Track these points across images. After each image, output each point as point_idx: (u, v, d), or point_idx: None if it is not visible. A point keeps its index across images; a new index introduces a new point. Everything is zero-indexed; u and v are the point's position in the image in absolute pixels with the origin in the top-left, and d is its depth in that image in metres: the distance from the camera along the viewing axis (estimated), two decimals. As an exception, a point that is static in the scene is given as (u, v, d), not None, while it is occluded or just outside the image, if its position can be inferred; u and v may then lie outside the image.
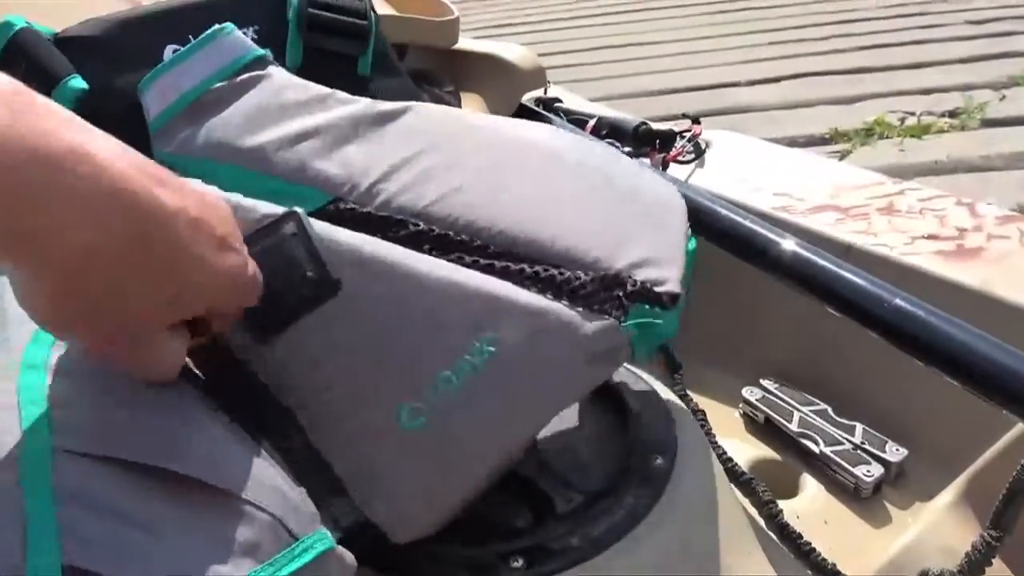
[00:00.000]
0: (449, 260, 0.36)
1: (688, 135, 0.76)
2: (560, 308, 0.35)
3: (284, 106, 0.41)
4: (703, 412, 0.57)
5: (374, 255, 0.34)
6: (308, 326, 0.32)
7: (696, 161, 0.74)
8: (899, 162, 1.92)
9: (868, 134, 2.09)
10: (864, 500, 0.54)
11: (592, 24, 3.53)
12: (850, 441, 0.57)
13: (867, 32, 2.91)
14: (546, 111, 0.79)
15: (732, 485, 0.51)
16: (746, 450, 0.59)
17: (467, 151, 0.41)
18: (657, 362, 0.66)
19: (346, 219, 0.37)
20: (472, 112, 0.41)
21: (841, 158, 1.94)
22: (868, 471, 0.54)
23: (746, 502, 0.52)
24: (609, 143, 0.71)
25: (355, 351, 0.33)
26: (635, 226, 0.40)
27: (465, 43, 0.79)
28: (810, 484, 0.56)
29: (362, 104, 0.42)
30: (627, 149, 0.63)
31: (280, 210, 0.33)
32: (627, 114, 0.82)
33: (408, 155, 0.40)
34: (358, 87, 0.48)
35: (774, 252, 0.52)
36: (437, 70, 0.77)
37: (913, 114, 2.18)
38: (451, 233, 0.37)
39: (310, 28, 0.51)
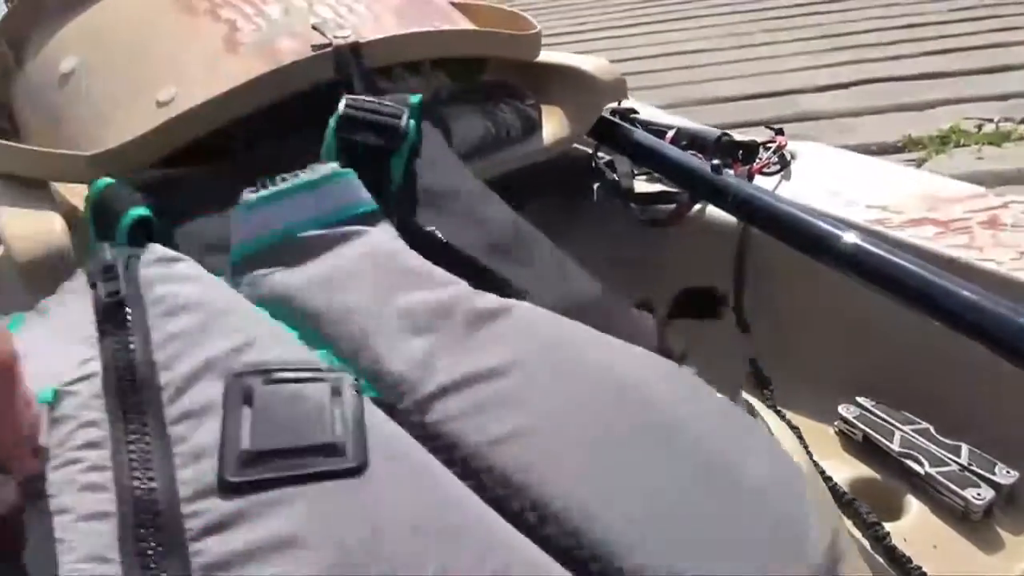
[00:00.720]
0: (485, 500, 0.28)
1: (772, 146, 0.74)
2: None
3: (370, 272, 0.36)
4: (797, 429, 0.56)
5: (412, 465, 0.28)
6: (304, 495, 0.25)
7: (782, 173, 0.73)
8: (978, 170, 1.85)
9: (944, 141, 2.02)
10: (974, 524, 0.52)
11: (653, 31, 3.51)
12: (956, 462, 0.55)
13: (936, 36, 2.82)
14: (623, 122, 0.79)
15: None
16: (845, 470, 0.57)
17: (556, 383, 0.32)
18: (746, 379, 0.65)
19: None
20: (584, 329, 0.35)
21: (917, 166, 1.88)
22: (978, 494, 0.52)
23: (849, 524, 0.51)
24: (692, 154, 0.70)
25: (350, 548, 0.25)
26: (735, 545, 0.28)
27: (544, 55, 0.79)
28: (915, 506, 0.54)
29: (459, 291, 0.36)
30: (715, 161, 0.62)
31: (338, 371, 0.30)
32: (705, 125, 0.81)
33: (486, 368, 0.32)
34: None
35: (836, 245, 0.52)
36: (518, 83, 0.78)
37: (991, 120, 2.10)
38: (498, 490, 0.28)
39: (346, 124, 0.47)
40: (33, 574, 0.23)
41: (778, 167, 0.72)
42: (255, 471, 0.25)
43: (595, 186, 0.82)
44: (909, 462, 0.55)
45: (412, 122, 0.47)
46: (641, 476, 0.29)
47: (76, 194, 0.59)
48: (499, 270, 0.42)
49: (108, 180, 0.44)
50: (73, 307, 0.32)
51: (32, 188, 0.55)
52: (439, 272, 0.37)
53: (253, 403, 0.27)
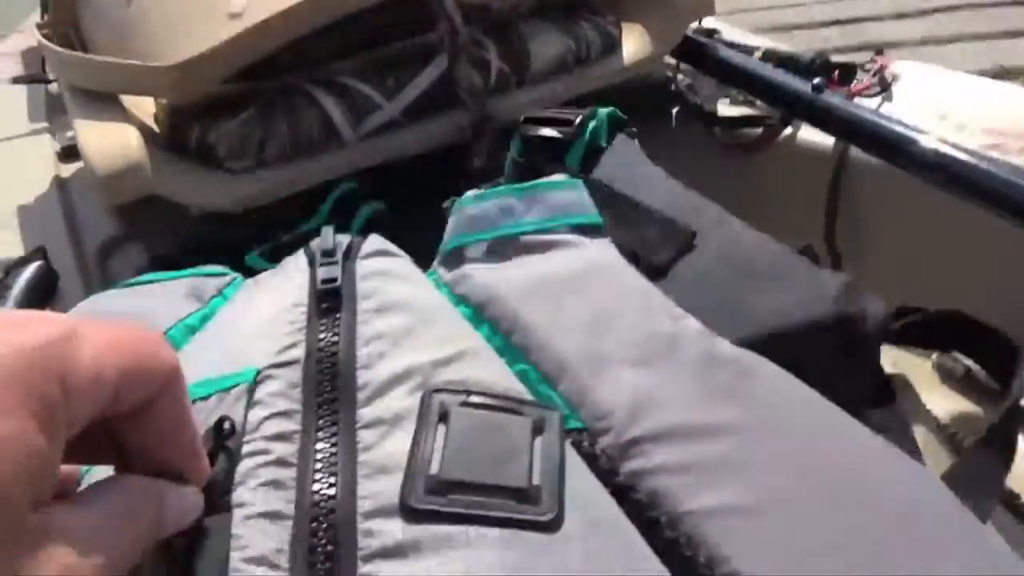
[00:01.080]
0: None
1: (873, 67, 0.69)
2: None
3: (587, 287, 0.32)
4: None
5: (609, 530, 0.24)
6: (489, 540, 0.23)
7: (883, 95, 0.68)
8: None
9: (1037, 72, 1.89)
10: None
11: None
12: (1069, 406, 0.51)
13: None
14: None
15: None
16: (945, 405, 0.54)
17: (787, 466, 0.26)
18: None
19: (582, 457, 0.27)
20: (825, 405, 0.29)
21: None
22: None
23: (949, 457, 0.48)
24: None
25: None
26: None
27: (625, -31, 0.75)
28: (1021, 445, 0.51)
29: (690, 327, 0.31)
30: (816, 80, 0.58)
31: (543, 406, 0.27)
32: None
33: (710, 423, 0.27)
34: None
35: (915, 149, 0.48)
36: (598, 0, 0.74)
37: (1090, 48, 1.96)
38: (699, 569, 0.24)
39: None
40: (202, 564, 0.22)
41: (879, 89, 0.67)
42: (441, 501, 0.23)
43: (674, 111, 0.78)
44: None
45: (592, 123, 0.45)
46: None
47: (144, 109, 0.58)
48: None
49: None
50: (287, 286, 0.31)
51: (105, 102, 0.54)
52: (667, 301, 0.32)
53: (448, 425, 0.25)
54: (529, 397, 0.28)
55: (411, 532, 0.22)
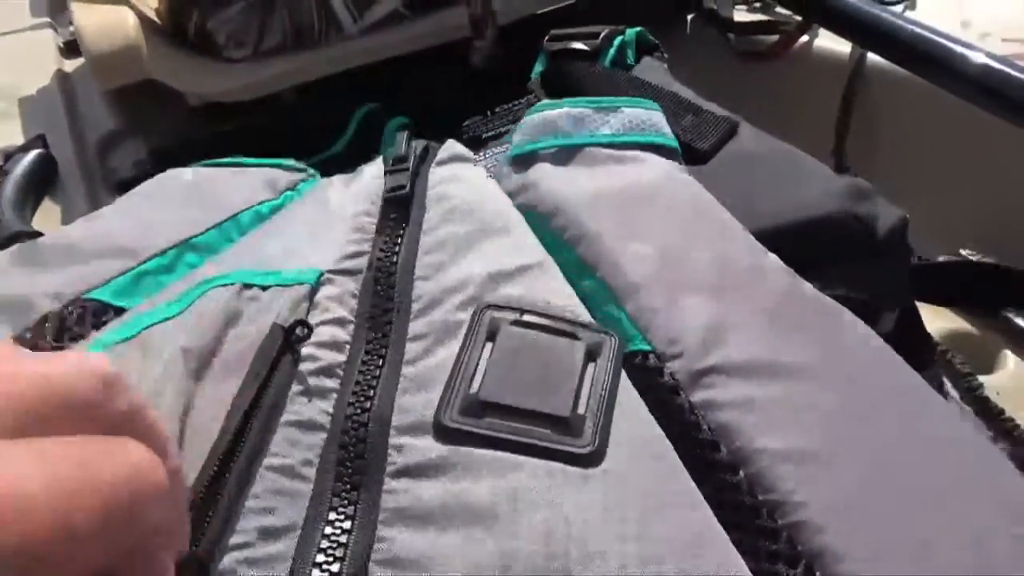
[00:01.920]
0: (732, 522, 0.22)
1: (897, -28, 0.66)
2: None
3: (663, 205, 0.30)
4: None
5: (658, 472, 0.22)
6: (520, 468, 0.22)
7: (906, 2, 0.65)
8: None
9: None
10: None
11: None
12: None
13: None
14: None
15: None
16: (939, 321, 0.54)
17: (868, 406, 0.25)
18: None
19: (643, 383, 0.25)
20: (897, 357, 0.27)
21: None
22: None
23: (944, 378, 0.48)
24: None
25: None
26: None
27: None
28: (1011, 361, 0.51)
29: (773, 263, 0.29)
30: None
31: (600, 330, 0.25)
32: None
33: (791, 363, 0.25)
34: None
35: (960, 65, 0.46)
36: None
37: None
38: (763, 517, 0.22)
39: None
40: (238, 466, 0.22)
41: (901, -5, 0.65)
42: (476, 423, 0.22)
43: (689, 17, 0.76)
44: (1009, 315, 0.52)
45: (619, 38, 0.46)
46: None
47: (146, 2, 0.57)
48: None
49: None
50: (359, 190, 0.31)
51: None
52: (747, 234, 0.30)
53: (496, 342, 0.24)
54: (588, 319, 0.26)
55: (442, 452, 0.22)
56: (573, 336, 0.25)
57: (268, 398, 0.23)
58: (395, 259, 0.28)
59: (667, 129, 0.35)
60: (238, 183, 0.35)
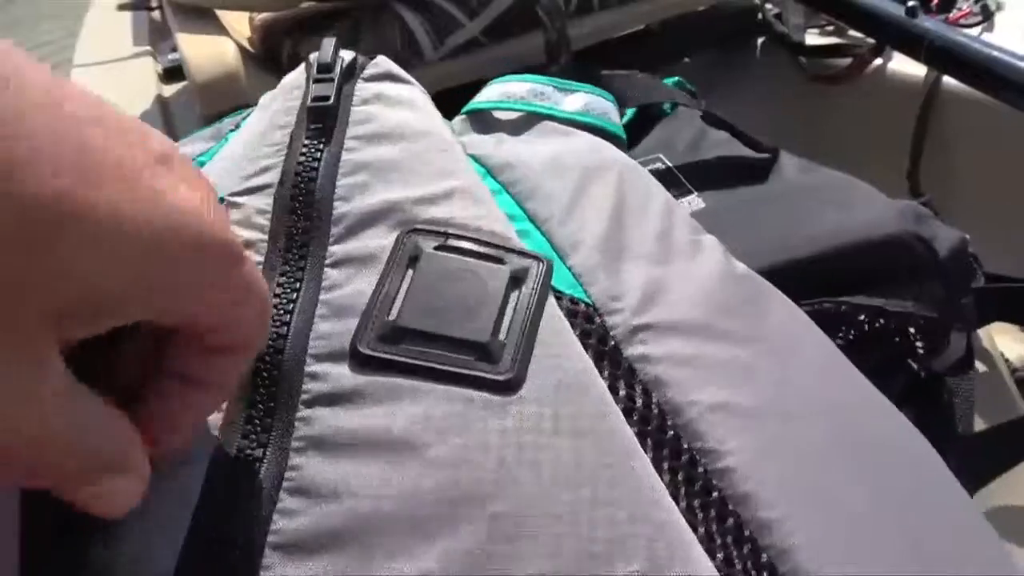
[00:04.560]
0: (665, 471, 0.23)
1: (975, -6, 0.66)
2: None
3: (618, 183, 0.30)
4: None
5: (582, 402, 0.22)
6: (434, 395, 0.22)
7: (984, 25, 0.64)
8: None
9: None
10: None
11: None
12: None
13: None
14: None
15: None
16: (1018, 348, 0.53)
17: (795, 373, 0.26)
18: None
19: (581, 333, 0.25)
20: (827, 340, 0.29)
21: None
22: None
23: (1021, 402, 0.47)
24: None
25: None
26: None
27: None
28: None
29: (710, 242, 0.30)
30: (911, 3, 0.55)
31: (529, 254, 0.25)
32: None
33: (720, 327, 0.26)
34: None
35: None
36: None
37: None
38: (692, 465, 0.23)
39: None
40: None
41: (980, 18, 0.64)
42: (393, 349, 0.22)
43: (760, 40, 0.76)
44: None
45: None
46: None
47: (240, 31, 0.61)
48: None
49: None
50: (280, 106, 0.28)
51: (205, 18, 0.57)
52: (687, 214, 0.31)
53: (417, 268, 0.23)
54: (518, 245, 0.25)
55: (357, 380, 0.21)
56: (499, 261, 0.24)
57: None
58: (314, 176, 0.25)
59: (617, 119, 0.35)
60: (188, 146, 0.33)
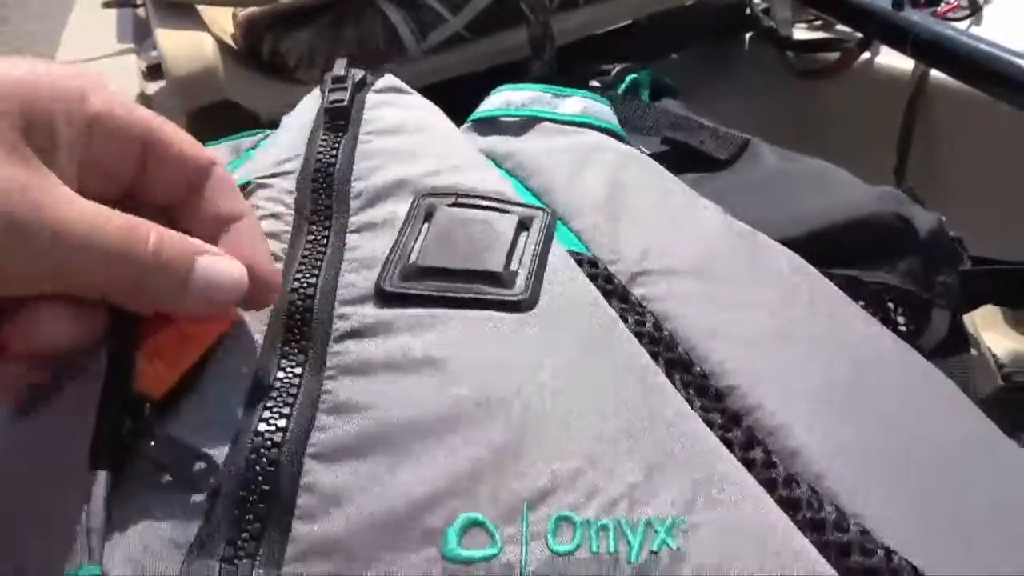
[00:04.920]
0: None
1: (963, -13, 0.65)
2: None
3: (614, 163, 0.32)
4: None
5: (593, 322, 0.24)
6: (457, 319, 0.24)
7: (972, 18, 0.64)
8: None
9: None
10: None
11: None
12: None
13: None
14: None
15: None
16: (1006, 344, 0.53)
17: (799, 310, 0.27)
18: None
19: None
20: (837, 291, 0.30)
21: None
22: None
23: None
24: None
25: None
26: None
27: None
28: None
29: (709, 207, 0.31)
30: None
31: (533, 207, 0.27)
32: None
33: (718, 272, 0.27)
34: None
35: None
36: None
37: None
38: (699, 381, 0.24)
39: None
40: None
41: (968, 12, 0.64)
42: (414, 285, 0.24)
43: (747, 35, 0.76)
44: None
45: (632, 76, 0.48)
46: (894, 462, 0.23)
47: (221, 26, 0.60)
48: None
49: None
50: (299, 114, 0.32)
51: (185, 13, 0.57)
52: (686, 187, 0.32)
53: (432, 221, 0.26)
54: (519, 199, 0.28)
55: (383, 315, 0.23)
56: (505, 211, 0.27)
57: None
58: (333, 161, 0.28)
59: (615, 121, 0.37)
60: None
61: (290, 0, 0.56)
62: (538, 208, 0.27)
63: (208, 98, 0.51)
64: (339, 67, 0.32)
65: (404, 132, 0.30)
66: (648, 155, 0.37)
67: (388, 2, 0.57)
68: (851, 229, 0.34)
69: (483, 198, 0.27)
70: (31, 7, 2.69)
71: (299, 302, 0.24)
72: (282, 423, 0.21)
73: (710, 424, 0.23)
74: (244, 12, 0.57)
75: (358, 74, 0.32)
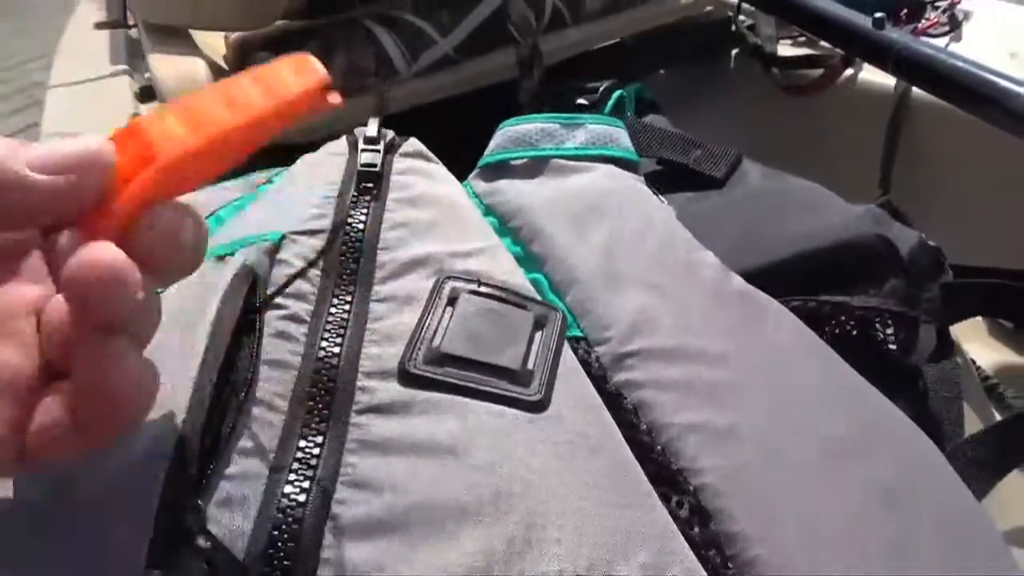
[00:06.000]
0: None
1: (943, 4, 0.67)
2: None
3: (612, 208, 0.33)
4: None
5: (595, 423, 0.25)
6: (477, 411, 0.24)
7: (952, 34, 0.65)
8: None
9: None
10: None
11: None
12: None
13: None
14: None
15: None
16: (991, 355, 0.54)
17: (779, 405, 0.27)
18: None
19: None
20: (827, 352, 0.30)
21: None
22: None
23: (993, 407, 0.48)
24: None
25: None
26: None
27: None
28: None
29: (707, 259, 0.32)
30: (878, 15, 0.56)
31: (548, 305, 0.28)
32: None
33: (710, 350, 0.28)
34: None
35: (1013, 102, 0.46)
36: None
37: None
38: (673, 477, 0.25)
39: None
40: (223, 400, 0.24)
41: (948, 27, 0.65)
42: (438, 370, 0.25)
43: (733, 52, 0.77)
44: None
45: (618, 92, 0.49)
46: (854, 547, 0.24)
47: (214, 49, 0.61)
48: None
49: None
50: (327, 167, 0.33)
51: (177, 38, 0.57)
52: (687, 233, 0.33)
53: (456, 307, 0.27)
54: (537, 296, 0.29)
55: (405, 394, 0.24)
56: (524, 307, 0.28)
57: (243, 344, 0.25)
58: (362, 227, 0.29)
59: (628, 143, 0.38)
60: (215, 191, 0.37)
61: (282, 23, 0.57)
62: (553, 309, 0.28)
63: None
64: (372, 127, 0.33)
65: (428, 205, 0.31)
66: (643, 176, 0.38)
67: (378, 25, 0.58)
68: (835, 252, 0.35)
69: (503, 289, 0.28)
70: (17, 21, 2.68)
71: (324, 371, 0.25)
72: (302, 498, 0.22)
73: (686, 520, 0.24)
74: (236, 35, 0.58)
75: (388, 134, 0.33)
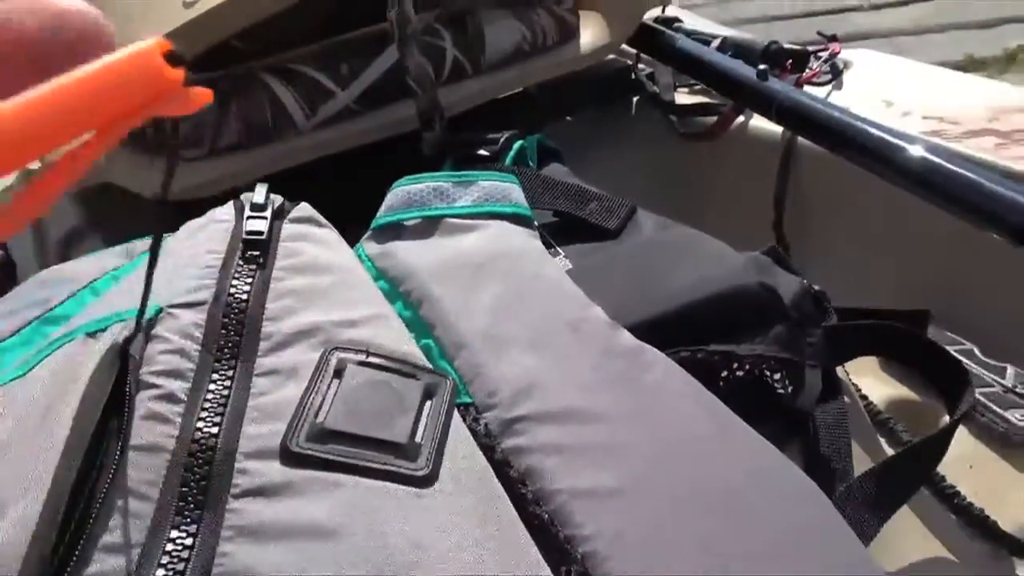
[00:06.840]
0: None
1: (824, 55, 0.71)
2: None
3: (500, 270, 0.33)
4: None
5: (481, 496, 0.25)
6: (360, 489, 0.24)
7: (833, 83, 0.69)
8: (1043, 92, 1.75)
9: (1010, 61, 1.91)
10: (1014, 446, 0.51)
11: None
12: (1000, 383, 0.53)
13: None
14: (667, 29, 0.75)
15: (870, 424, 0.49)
16: (882, 389, 0.56)
17: (665, 464, 0.27)
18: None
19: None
20: (716, 404, 0.31)
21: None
22: (1021, 416, 0.50)
23: (883, 442, 0.50)
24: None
25: None
26: None
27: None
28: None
29: (594, 316, 0.32)
30: (761, 67, 0.59)
31: (438, 373, 0.28)
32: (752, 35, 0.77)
33: (592, 410, 0.28)
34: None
35: (901, 157, 0.49)
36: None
37: (1061, 39, 1.98)
38: (561, 544, 0.25)
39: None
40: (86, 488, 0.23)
41: (829, 76, 0.69)
42: (321, 448, 0.24)
43: (634, 99, 0.79)
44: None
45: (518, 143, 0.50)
46: None
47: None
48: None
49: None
50: (211, 234, 0.31)
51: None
52: (577, 291, 0.33)
53: (342, 379, 0.26)
54: (427, 365, 0.28)
55: (286, 474, 0.23)
56: (413, 376, 0.27)
57: (111, 423, 0.24)
58: (245, 297, 0.28)
59: (520, 198, 0.38)
60: (93, 261, 0.36)
61: (174, 77, 0.55)
62: (443, 376, 0.28)
63: (87, 181, 0.50)
64: (259, 193, 0.32)
65: (317, 272, 0.30)
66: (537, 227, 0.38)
67: (273, 77, 0.57)
68: (720, 302, 0.36)
69: (392, 359, 0.27)
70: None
71: (200, 454, 0.24)
72: None
73: None
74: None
75: (276, 200, 0.32)
